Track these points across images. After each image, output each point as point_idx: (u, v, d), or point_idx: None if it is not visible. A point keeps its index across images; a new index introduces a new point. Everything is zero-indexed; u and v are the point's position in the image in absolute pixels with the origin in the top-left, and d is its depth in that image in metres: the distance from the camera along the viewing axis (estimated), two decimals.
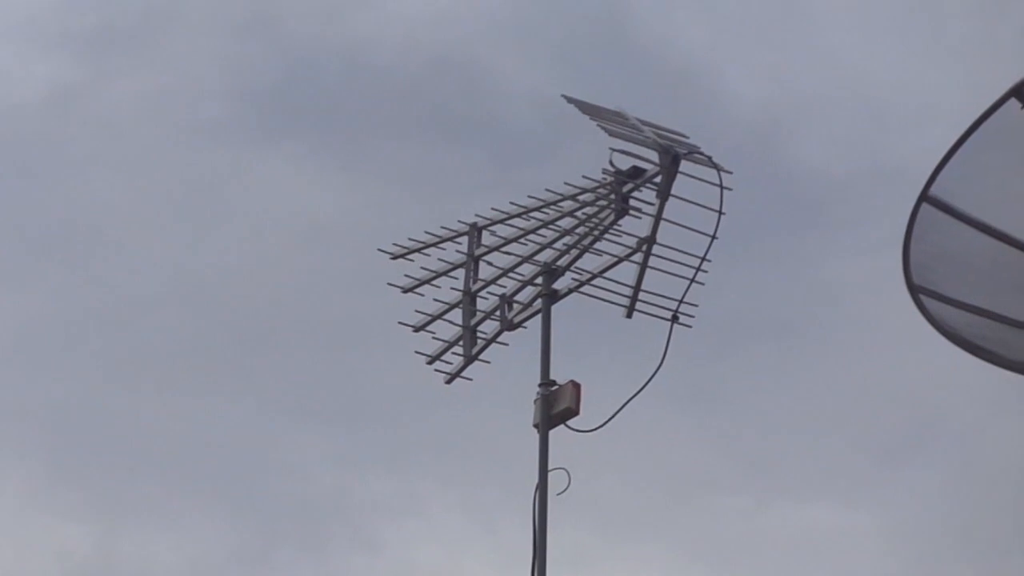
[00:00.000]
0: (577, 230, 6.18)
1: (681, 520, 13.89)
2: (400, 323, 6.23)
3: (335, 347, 13.90)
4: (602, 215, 6.12)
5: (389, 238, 6.37)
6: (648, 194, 6.01)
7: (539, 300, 6.09)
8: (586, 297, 6.12)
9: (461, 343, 6.18)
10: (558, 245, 6.21)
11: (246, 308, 15.45)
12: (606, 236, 6.10)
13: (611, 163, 6.00)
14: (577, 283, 6.12)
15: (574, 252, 6.15)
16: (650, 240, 6.00)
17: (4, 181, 16.76)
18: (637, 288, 6.08)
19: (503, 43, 14.91)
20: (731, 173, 5.92)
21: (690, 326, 6.01)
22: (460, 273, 6.29)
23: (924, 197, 3.92)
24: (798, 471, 14.20)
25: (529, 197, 6.27)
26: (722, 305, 7.03)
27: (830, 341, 14.07)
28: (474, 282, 6.27)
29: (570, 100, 6.37)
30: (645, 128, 6.13)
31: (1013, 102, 3.81)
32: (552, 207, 6.24)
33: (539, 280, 6.14)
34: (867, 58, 15.41)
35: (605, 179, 6.09)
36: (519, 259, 6.23)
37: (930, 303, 3.86)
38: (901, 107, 15.07)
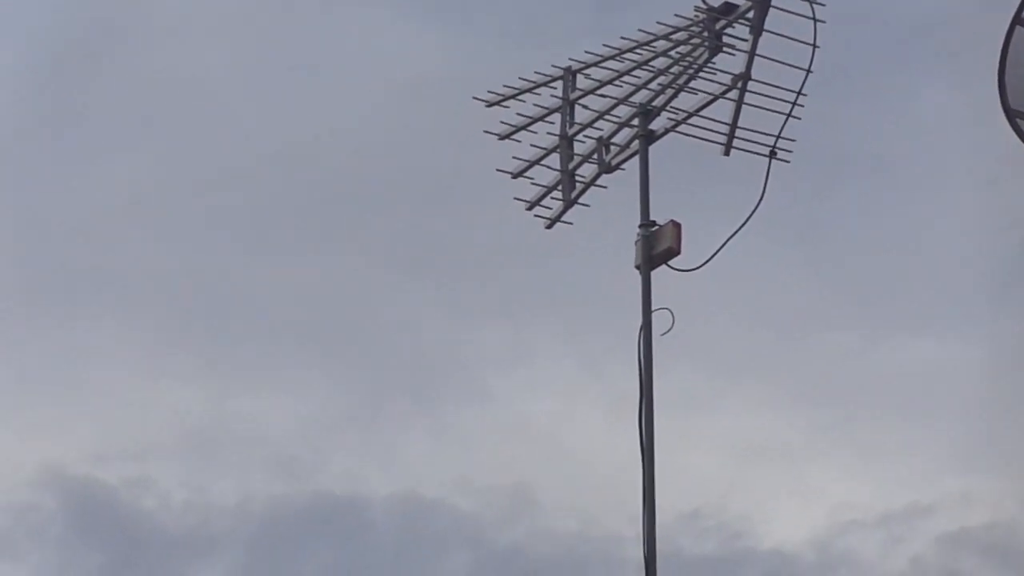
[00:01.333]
0: (671, 69, 6.16)
1: (788, 358, 13.92)
2: (498, 170, 6.33)
3: (438, 200, 14.07)
4: (696, 53, 6.10)
5: (484, 87, 6.42)
6: (741, 30, 5.99)
7: (636, 141, 6.12)
8: (683, 136, 6.15)
9: (560, 188, 6.25)
10: (653, 85, 6.20)
11: (350, 167, 15.67)
12: (700, 74, 6.09)
13: (703, 0, 5.98)
14: (673, 123, 6.13)
15: (669, 92, 6.15)
16: (744, 76, 5.99)
17: (113, 52, 17.08)
18: (734, 126, 6.09)
19: None
20: (824, 5, 5.86)
21: (788, 161, 6.01)
22: (556, 118, 6.31)
23: (1017, 20, 3.88)
24: (906, 306, 14.10)
25: (622, 39, 6.24)
26: (819, 140, 6.96)
27: (928, 174, 13.89)
28: (570, 126, 6.30)
29: None
30: None
31: None
32: (646, 47, 6.21)
33: (635, 121, 6.16)
34: None
35: (698, 16, 6.05)
36: (615, 101, 6.24)
37: None
38: None
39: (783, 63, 5.91)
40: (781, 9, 5.84)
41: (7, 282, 15.57)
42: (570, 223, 6.26)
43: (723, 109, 6.08)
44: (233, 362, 15.96)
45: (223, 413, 15.34)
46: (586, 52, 6.33)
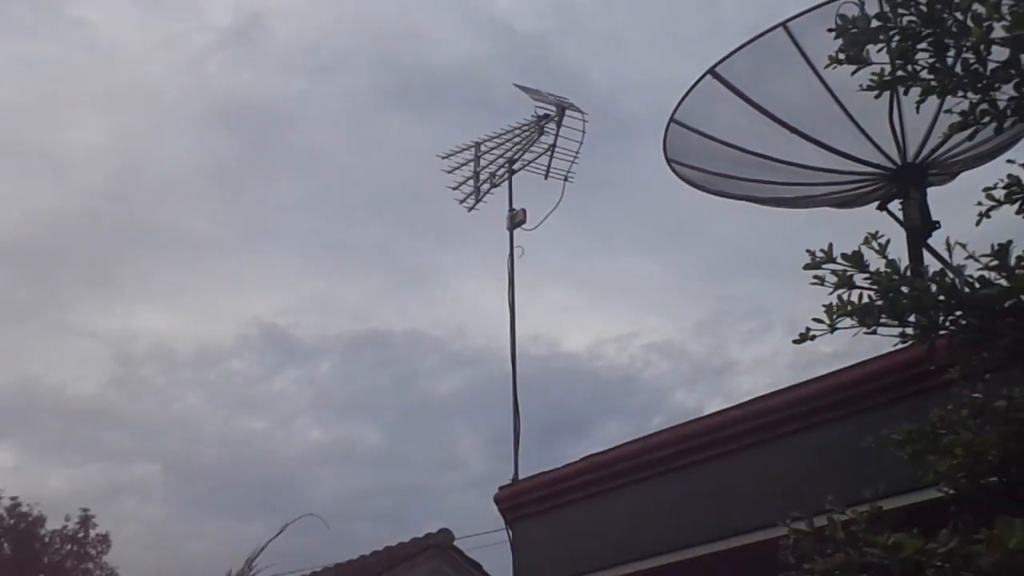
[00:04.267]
0: (520, 142, 14.07)
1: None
2: (447, 187, 14.17)
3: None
4: (531, 136, 14.00)
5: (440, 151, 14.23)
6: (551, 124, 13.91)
7: (505, 173, 14.01)
8: (526, 172, 14.03)
9: (473, 194, 14.05)
10: (515, 149, 14.08)
11: None
12: (533, 147, 13.96)
13: (535, 111, 13.92)
14: (522, 165, 14.02)
15: (520, 152, 14.04)
16: (553, 145, 13.86)
17: None
18: (548, 168, 13.96)
19: None
20: (587, 113, 13.88)
21: (572, 181, 13.87)
22: (471, 162, 14.22)
23: (711, 71, 11.61)
24: None
25: (501, 130, 14.12)
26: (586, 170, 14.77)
27: None
28: (479, 166, 14.14)
29: None
30: None
31: None
32: (510, 133, 14.11)
33: (506, 165, 14.04)
34: None
35: (534, 118, 13.95)
36: (497, 156, 14.13)
37: None
38: None
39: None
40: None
41: None
42: (478, 209, 14.01)
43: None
44: None
45: None
46: (485, 135, 14.13)
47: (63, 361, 38.69)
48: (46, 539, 23.76)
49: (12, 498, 23.96)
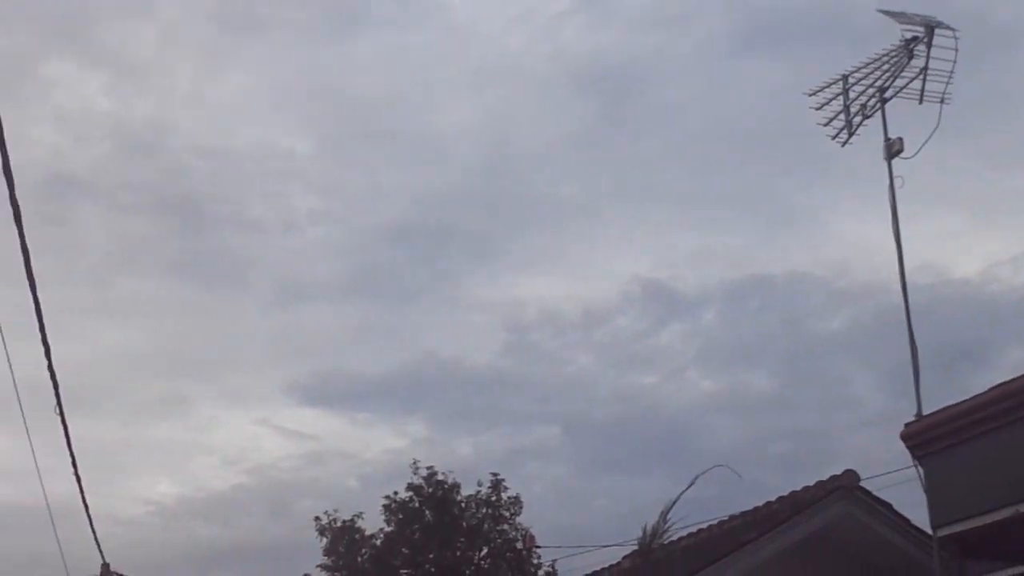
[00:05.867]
0: (890, 68, 13.60)
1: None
2: (817, 124, 13.90)
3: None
4: (901, 61, 13.50)
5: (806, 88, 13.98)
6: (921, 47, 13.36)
7: (877, 103, 13.58)
8: (897, 99, 13.55)
9: (844, 128, 13.72)
10: (885, 77, 13.64)
11: None
12: (903, 73, 13.47)
13: (902, 34, 13.42)
14: (895, 92, 13.54)
15: (891, 79, 13.57)
16: (924, 68, 13.32)
17: None
18: (922, 92, 13.42)
19: None
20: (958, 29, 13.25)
21: (949, 103, 13.29)
22: (841, 96, 13.89)
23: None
24: None
25: (867, 59, 13.72)
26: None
27: None
28: (848, 100, 13.79)
29: None
30: None
31: None
32: (878, 61, 13.66)
33: (877, 93, 13.62)
34: None
35: (901, 42, 13.46)
36: (866, 86, 13.75)
37: None
38: None
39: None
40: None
41: None
42: (851, 143, 13.66)
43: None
44: None
45: None
46: (851, 66, 13.75)
47: (458, 334, 40.69)
48: (462, 504, 25.03)
49: (428, 468, 25.38)
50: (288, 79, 40.01)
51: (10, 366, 11.87)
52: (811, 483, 14.60)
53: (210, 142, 40.47)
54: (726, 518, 15.64)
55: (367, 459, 37.96)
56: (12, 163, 7.63)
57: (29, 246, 8.64)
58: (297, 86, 40.24)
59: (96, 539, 21.67)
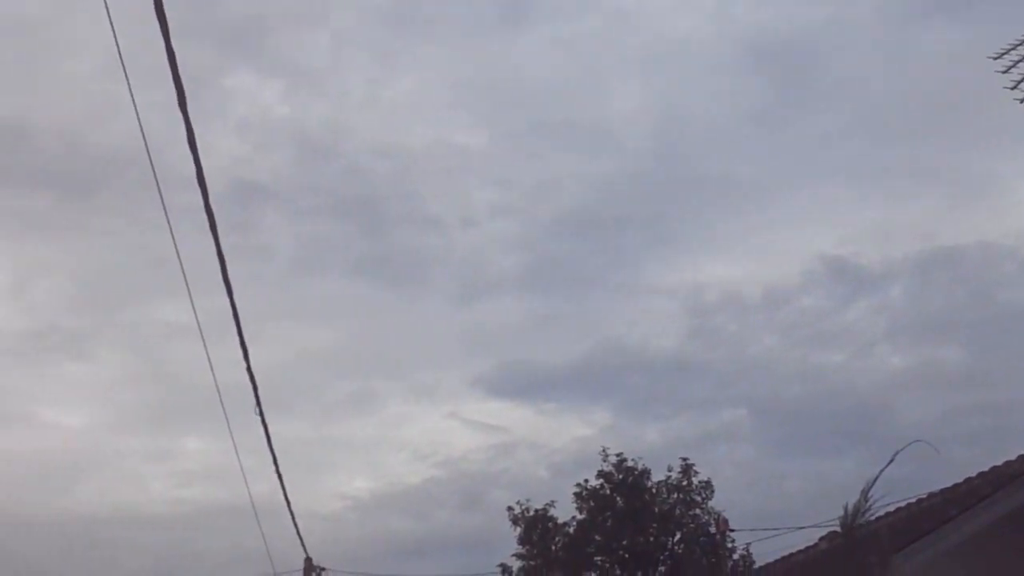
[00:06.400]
0: None
1: None
2: (1004, 86, 13.42)
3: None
4: None
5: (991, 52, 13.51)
6: None
7: None
8: None
9: None
10: None
11: None
12: None
13: None
14: None
15: None
16: None
17: None
18: None
19: None
20: None
21: None
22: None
23: None
24: None
25: None
26: None
27: None
28: None
29: None
30: None
31: None
32: None
33: None
34: None
35: None
36: None
37: None
38: None
39: None
40: None
41: None
42: None
43: None
44: None
45: None
46: None
47: (640, 320, 40.64)
48: (653, 490, 25.03)
49: (617, 454, 25.46)
50: (459, 75, 40.66)
51: (212, 370, 12.35)
52: (1012, 457, 14.17)
53: (386, 142, 41.35)
54: (924, 496, 15.29)
55: (555, 448, 38.29)
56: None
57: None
58: (468, 82, 40.81)
59: (299, 534, 22.39)
